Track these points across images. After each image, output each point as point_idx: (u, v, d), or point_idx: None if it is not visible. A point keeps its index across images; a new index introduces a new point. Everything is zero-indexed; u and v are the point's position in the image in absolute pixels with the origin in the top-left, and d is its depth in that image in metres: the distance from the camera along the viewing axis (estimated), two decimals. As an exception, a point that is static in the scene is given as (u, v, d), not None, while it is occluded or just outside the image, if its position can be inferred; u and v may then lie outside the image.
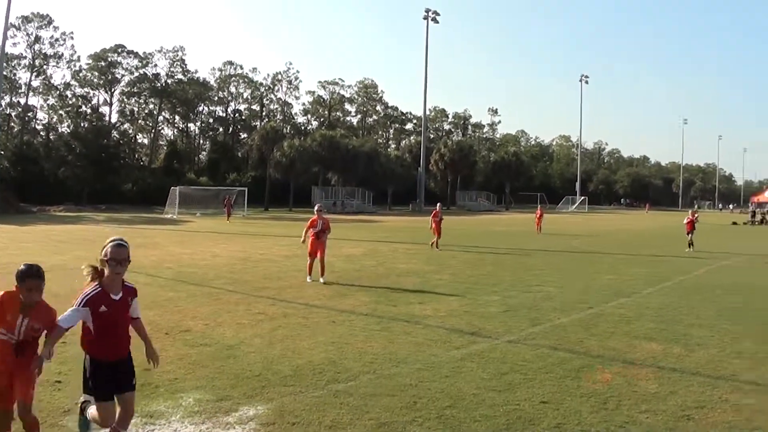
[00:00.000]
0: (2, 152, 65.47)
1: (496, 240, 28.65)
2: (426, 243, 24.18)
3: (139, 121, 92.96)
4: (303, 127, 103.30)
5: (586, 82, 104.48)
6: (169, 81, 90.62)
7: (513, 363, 7.81)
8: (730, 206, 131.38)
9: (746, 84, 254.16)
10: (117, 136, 79.05)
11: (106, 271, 4.57)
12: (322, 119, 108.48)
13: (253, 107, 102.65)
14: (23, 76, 79.56)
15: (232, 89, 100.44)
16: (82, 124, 74.40)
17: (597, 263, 20.52)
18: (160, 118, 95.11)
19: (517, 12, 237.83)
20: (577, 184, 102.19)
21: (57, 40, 79.90)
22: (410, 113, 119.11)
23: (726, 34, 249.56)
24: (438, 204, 26.61)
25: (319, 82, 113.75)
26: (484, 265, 18.87)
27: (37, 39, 78.66)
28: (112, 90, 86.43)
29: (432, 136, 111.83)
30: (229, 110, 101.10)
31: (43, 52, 79.27)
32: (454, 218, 27.29)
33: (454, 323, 10.14)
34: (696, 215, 27.42)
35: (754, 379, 7.31)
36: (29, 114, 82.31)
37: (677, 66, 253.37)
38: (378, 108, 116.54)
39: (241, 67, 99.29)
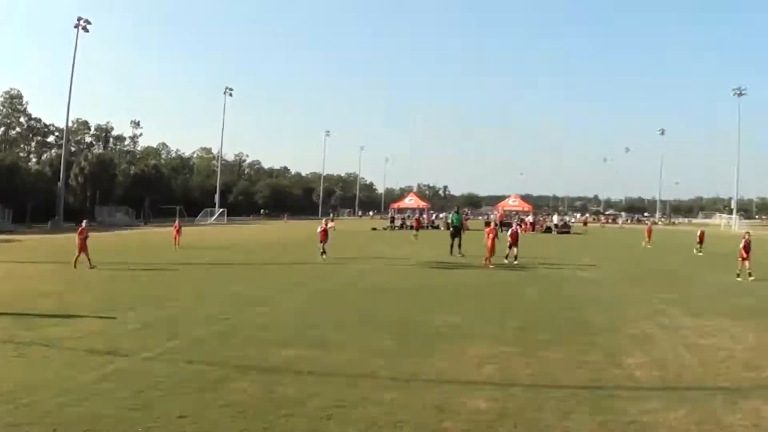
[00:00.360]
0: None
1: (135, 256, 27.57)
2: (68, 262, 22.42)
3: None
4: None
5: (230, 95, 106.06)
6: None
7: (150, 380, 7.90)
8: (370, 213, 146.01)
9: (386, 97, 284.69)
10: None
11: None
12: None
13: None
14: None
15: None
16: None
17: (233, 274, 21.41)
18: None
19: (167, 22, 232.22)
20: (217, 196, 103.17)
21: None
22: (53, 125, 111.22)
23: (364, 47, 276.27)
24: (84, 221, 25.48)
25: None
26: (122, 282, 18.35)
27: None
28: None
29: (74, 149, 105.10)
30: None
31: None
32: (90, 235, 25.40)
33: (91, 344, 9.90)
34: (330, 224, 29.47)
35: (394, 375, 8.41)
36: None
37: (322, 78, 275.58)
38: (22, 120, 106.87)
39: None
